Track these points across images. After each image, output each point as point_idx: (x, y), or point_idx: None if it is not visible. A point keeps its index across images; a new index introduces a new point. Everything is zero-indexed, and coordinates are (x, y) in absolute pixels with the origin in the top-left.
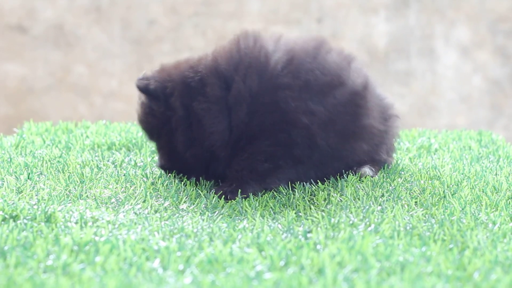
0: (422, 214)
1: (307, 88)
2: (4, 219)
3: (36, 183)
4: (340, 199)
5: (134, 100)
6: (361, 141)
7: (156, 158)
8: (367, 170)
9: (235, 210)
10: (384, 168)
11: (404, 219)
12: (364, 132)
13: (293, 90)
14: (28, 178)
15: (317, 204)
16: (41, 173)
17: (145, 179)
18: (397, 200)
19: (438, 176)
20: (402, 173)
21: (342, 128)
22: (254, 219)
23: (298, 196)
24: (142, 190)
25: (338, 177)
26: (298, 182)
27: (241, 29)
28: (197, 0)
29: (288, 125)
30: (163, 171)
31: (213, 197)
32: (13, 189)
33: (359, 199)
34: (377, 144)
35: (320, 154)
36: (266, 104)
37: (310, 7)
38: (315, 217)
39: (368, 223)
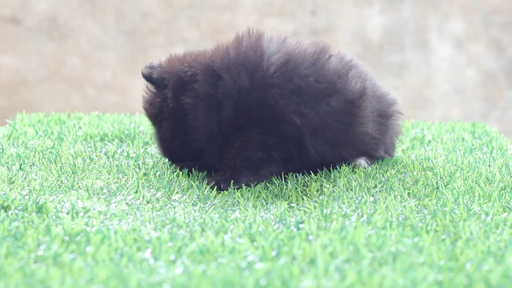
0: (415, 205)
1: (299, 92)
2: None
3: (28, 174)
4: (333, 190)
5: (127, 92)
6: (350, 148)
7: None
8: (362, 161)
9: (227, 201)
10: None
11: (397, 210)
12: (356, 140)
13: (283, 90)
14: (20, 169)
15: (310, 195)
16: (33, 164)
17: (137, 170)
18: (389, 191)
19: (431, 167)
20: (395, 164)
21: (333, 136)
22: (247, 209)
23: (290, 187)
24: (134, 180)
25: (331, 168)
26: (291, 173)
27: (247, 28)
28: None
29: (277, 120)
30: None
31: (206, 188)
32: (4, 180)
33: (351, 190)
34: (373, 145)
35: (307, 158)
36: (254, 100)
37: (304, 0)
38: (308, 208)
39: (360, 213)
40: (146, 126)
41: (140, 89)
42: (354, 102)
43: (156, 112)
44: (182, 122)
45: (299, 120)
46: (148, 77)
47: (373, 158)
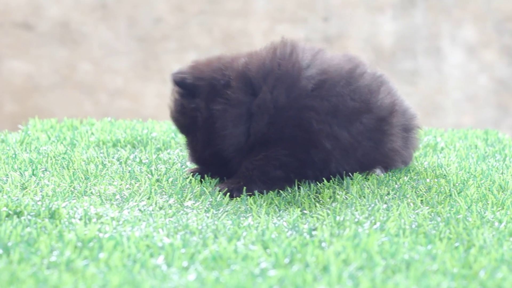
0: (428, 212)
1: (335, 112)
2: (8, 215)
3: (40, 179)
4: (346, 197)
5: (139, 98)
6: (378, 165)
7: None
8: (377, 170)
9: (240, 208)
10: None
11: (410, 217)
12: (385, 158)
13: (319, 113)
14: (33, 174)
15: (323, 202)
16: (45, 170)
17: (150, 176)
18: (402, 198)
19: (444, 175)
20: (408, 171)
21: (364, 155)
22: (259, 216)
23: (303, 193)
24: (147, 187)
25: (344, 174)
26: (304, 180)
27: (281, 38)
28: None
29: (308, 144)
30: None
31: (218, 194)
32: (17, 185)
33: (364, 197)
34: (397, 160)
35: (327, 175)
36: (289, 118)
37: (316, 6)
38: (320, 215)
39: (373, 221)
40: (158, 132)
41: (152, 95)
42: (385, 119)
43: (188, 121)
44: (211, 130)
45: (330, 145)
46: (180, 83)
47: (389, 168)
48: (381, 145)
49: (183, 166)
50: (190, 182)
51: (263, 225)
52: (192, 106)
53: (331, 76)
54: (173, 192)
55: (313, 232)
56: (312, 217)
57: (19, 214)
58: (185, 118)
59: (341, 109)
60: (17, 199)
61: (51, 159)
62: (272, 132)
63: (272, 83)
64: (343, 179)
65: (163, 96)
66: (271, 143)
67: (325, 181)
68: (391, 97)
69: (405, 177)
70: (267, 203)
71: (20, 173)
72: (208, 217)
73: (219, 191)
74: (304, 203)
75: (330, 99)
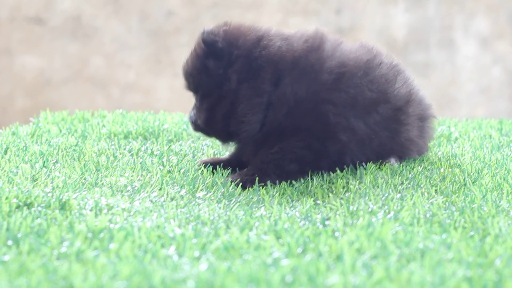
0: (442, 201)
1: (352, 104)
2: (18, 207)
3: (51, 171)
4: (359, 187)
5: (151, 92)
6: (394, 154)
7: (187, 117)
8: (392, 160)
9: (252, 198)
10: None
11: (424, 206)
12: (401, 147)
13: (337, 106)
14: (44, 166)
15: (336, 191)
16: (56, 161)
17: (161, 167)
18: (416, 188)
19: (459, 164)
20: (422, 161)
21: (380, 145)
22: (272, 206)
23: (316, 184)
24: (158, 178)
25: (357, 164)
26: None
27: (315, 29)
28: None
29: (324, 136)
30: (192, 126)
31: (230, 185)
32: (27, 177)
33: (378, 186)
34: (413, 149)
35: (341, 166)
36: (307, 111)
37: None
38: (334, 205)
39: (387, 210)
40: (170, 124)
41: (164, 89)
42: (402, 109)
43: (210, 84)
44: (234, 109)
45: (346, 138)
46: (211, 45)
47: (403, 157)
48: (397, 134)
49: (195, 157)
50: (202, 173)
51: (276, 216)
52: (219, 71)
53: (349, 69)
54: (184, 183)
55: (326, 222)
56: (325, 207)
57: (29, 205)
58: (208, 79)
59: (359, 100)
60: (28, 191)
61: (62, 151)
62: (290, 123)
63: (296, 75)
64: (356, 169)
65: (175, 89)
66: (287, 135)
67: (338, 171)
68: (407, 86)
69: (419, 167)
70: (279, 194)
71: (31, 165)
72: (220, 207)
73: (232, 182)
74: (317, 193)
75: (349, 90)
